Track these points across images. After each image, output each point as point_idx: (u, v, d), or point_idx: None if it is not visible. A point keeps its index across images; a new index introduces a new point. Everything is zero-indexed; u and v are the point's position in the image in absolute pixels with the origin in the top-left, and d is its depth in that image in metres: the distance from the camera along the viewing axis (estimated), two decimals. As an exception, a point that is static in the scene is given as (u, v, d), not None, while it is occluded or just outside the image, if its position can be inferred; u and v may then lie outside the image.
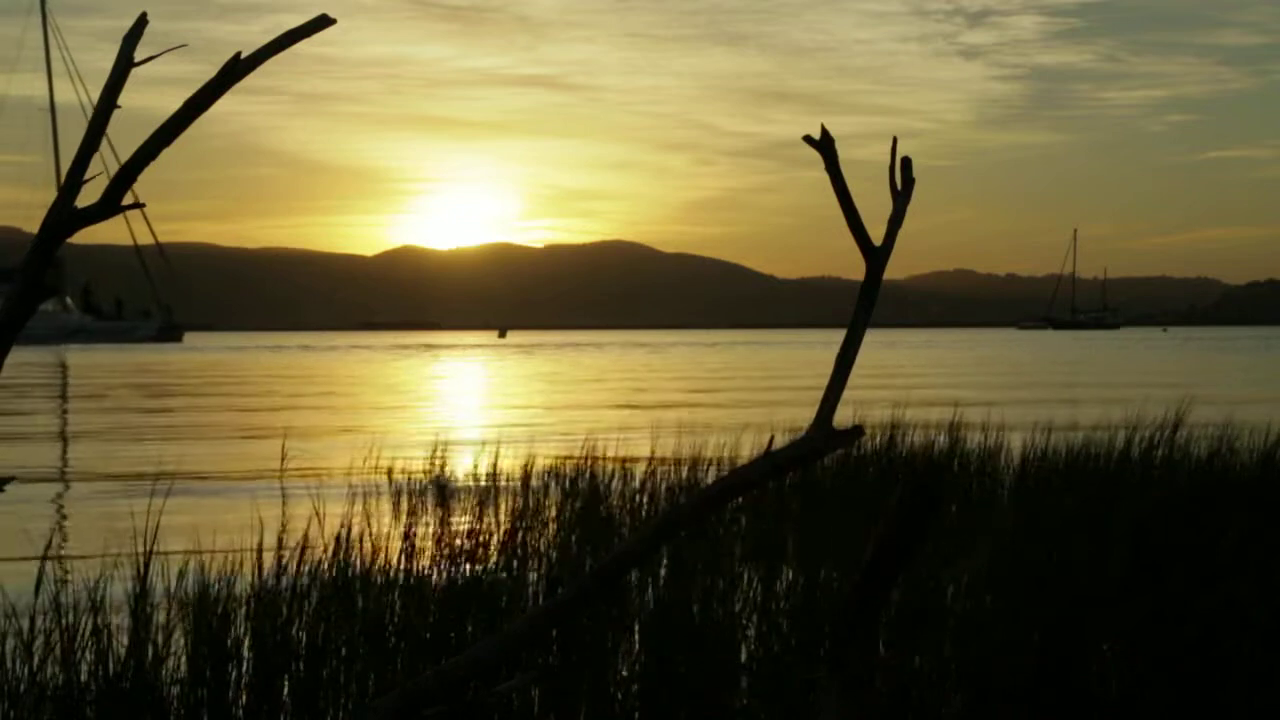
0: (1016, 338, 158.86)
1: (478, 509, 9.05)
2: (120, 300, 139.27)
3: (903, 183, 3.73)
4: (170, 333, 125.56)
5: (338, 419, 29.63)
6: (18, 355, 77.01)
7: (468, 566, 6.14)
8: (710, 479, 10.70)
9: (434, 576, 5.95)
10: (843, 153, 3.54)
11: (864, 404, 12.51)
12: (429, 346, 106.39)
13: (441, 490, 11.68)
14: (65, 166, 3.24)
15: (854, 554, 5.83)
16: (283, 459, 8.07)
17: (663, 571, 6.31)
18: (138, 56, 3.21)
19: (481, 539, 6.60)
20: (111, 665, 5.07)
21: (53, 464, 20.33)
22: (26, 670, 5.01)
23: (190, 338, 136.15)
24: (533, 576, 6.26)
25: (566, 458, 11.76)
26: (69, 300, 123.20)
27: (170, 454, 20.43)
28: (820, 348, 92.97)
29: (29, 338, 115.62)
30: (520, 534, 6.96)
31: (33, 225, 3.15)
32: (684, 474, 11.20)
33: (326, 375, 56.64)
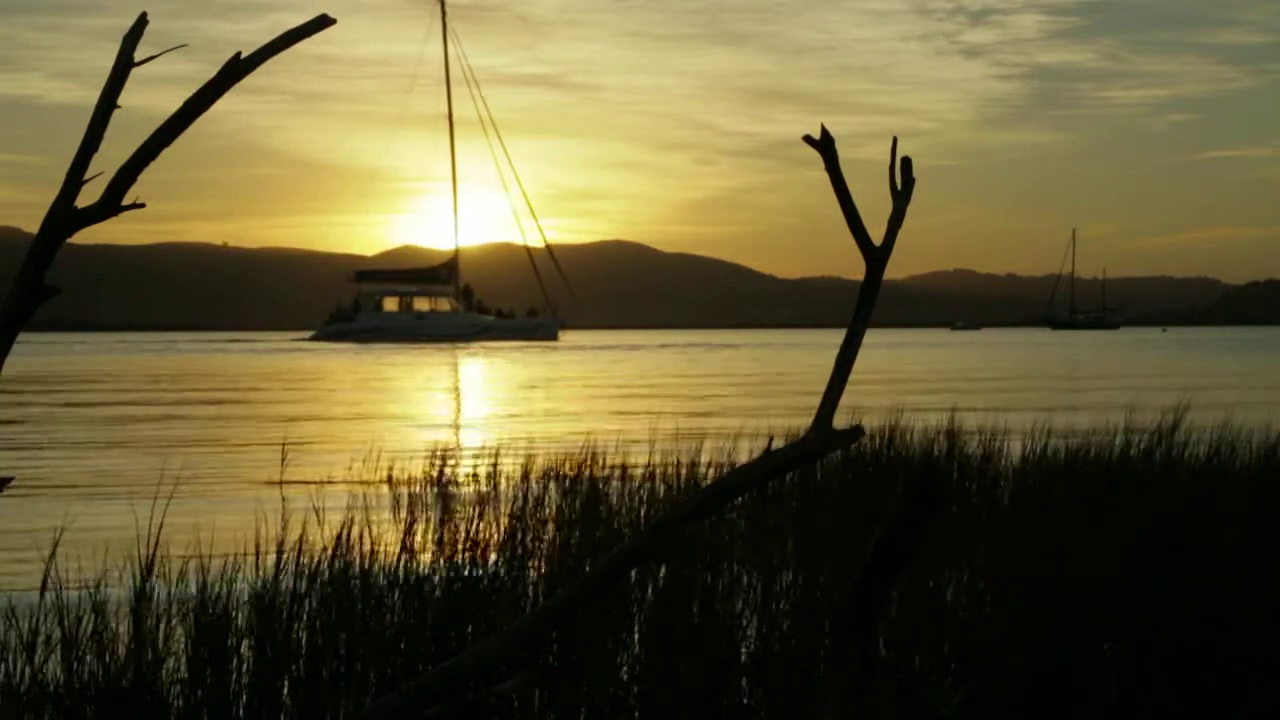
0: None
1: (477, 510, 9.03)
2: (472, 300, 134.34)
3: (903, 183, 3.73)
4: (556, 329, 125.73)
5: (337, 419, 29.63)
6: (437, 354, 77.15)
7: (468, 567, 6.13)
8: (710, 479, 10.69)
9: (434, 576, 5.94)
10: (843, 153, 3.54)
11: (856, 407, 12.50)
12: (422, 347, 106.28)
13: (441, 490, 11.68)
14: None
15: (854, 554, 5.83)
16: (283, 460, 8.07)
17: (663, 571, 6.30)
18: (138, 56, 3.22)
19: (481, 539, 6.60)
20: (111, 665, 5.07)
21: (51, 469, 20.34)
22: (28, 670, 5.01)
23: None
24: (533, 576, 6.26)
25: (566, 458, 11.74)
26: (454, 301, 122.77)
27: (174, 457, 20.42)
28: (819, 349, 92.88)
29: (442, 334, 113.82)
30: (520, 534, 6.95)
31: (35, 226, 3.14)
32: (683, 474, 11.18)
33: (325, 375, 56.63)
